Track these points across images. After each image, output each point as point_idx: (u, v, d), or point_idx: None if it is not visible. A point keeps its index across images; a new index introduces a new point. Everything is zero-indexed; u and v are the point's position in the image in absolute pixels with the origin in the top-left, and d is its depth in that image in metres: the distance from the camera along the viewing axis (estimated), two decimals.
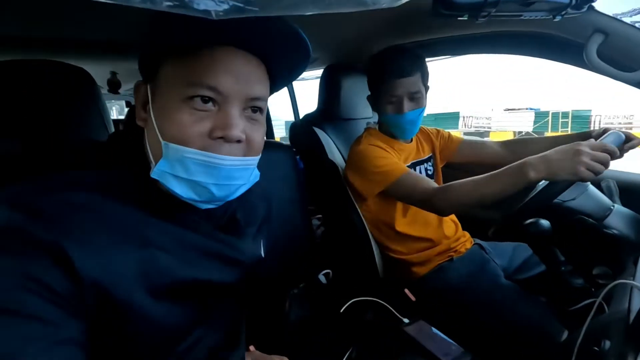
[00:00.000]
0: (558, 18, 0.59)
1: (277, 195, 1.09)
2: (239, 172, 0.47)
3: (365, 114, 1.43)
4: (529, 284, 1.05)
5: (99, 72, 1.69)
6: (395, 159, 1.04)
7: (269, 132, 2.73)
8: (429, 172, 1.20)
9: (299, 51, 0.48)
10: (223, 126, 0.44)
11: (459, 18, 0.48)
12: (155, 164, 0.45)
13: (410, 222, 1.11)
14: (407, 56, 1.02)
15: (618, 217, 0.80)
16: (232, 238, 0.55)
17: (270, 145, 1.21)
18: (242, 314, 0.70)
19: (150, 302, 0.44)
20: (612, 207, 0.80)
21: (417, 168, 1.17)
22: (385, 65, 1.04)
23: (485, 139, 1.31)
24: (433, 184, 0.96)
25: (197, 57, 0.43)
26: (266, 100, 0.50)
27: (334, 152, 1.27)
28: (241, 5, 0.27)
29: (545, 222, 0.70)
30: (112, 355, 0.43)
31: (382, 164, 1.01)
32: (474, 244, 1.16)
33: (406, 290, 1.02)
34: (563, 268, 0.74)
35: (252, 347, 0.75)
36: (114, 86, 1.93)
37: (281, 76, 0.53)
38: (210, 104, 0.44)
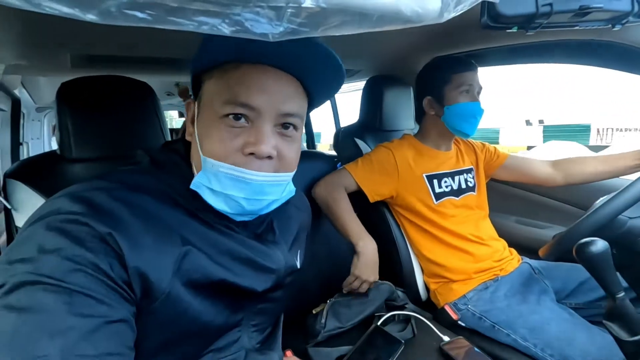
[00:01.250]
0: (618, 27, 0.56)
1: (318, 208, 1.11)
2: (270, 188, 0.49)
3: (406, 125, 1.42)
4: (585, 310, 0.97)
5: (156, 85, 1.86)
6: (377, 175, 1.08)
7: (311, 142, 2.78)
8: (470, 184, 1.16)
9: (332, 70, 0.50)
10: (254, 142, 0.46)
11: (508, 31, 0.48)
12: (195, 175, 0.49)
13: (442, 234, 1.08)
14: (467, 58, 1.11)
15: None
16: (266, 247, 0.58)
17: (312, 155, 1.24)
18: (279, 319, 0.72)
19: (188, 295, 0.48)
20: None
21: (456, 178, 1.13)
22: (453, 60, 1.10)
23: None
24: (340, 184, 1.07)
25: (233, 75, 0.46)
26: (301, 117, 0.51)
27: None
28: (295, 27, 0.29)
29: (602, 243, 0.65)
30: (152, 342, 0.47)
31: (369, 162, 1.09)
32: (522, 263, 1.09)
33: (447, 307, 0.99)
34: (624, 294, 0.68)
35: (289, 352, 0.77)
36: (182, 93, 2.21)
37: (318, 93, 0.54)
38: (243, 120, 0.46)
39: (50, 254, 0.37)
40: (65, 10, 0.20)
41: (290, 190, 0.53)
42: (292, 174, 0.52)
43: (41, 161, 0.83)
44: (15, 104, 1.96)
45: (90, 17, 0.21)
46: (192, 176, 0.51)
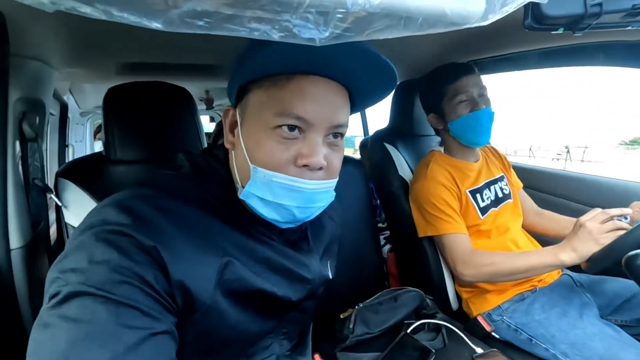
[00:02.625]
0: None
1: (347, 212, 1.11)
2: (320, 195, 0.49)
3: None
4: (632, 328, 0.91)
5: (192, 91, 1.94)
6: (456, 215, 1.02)
7: None
8: (505, 192, 1.12)
9: (382, 75, 0.49)
10: (307, 154, 0.46)
11: (553, 32, 0.46)
12: (242, 184, 0.49)
13: (486, 245, 1.04)
14: (463, 62, 1.05)
15: None
16: (301, 256, 0.58)
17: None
18: (308, 326, 0.73)
19: (227, 304, 0.48)
20: None
21: (492, 188, 1.11)
22: (447, 68, 1.05)
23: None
24: (470, 247, 0.98)
25: (285, 86, 0.46)
26: (347, 126, 0.52)
27: (405, 168, 1.26)
28: (340, 32, 0.30)
29: None
30: (191, 350, 0.48)
31: (442, 212, 1.01)
32: (562, 274, 1.04)
33: (480, 317, 0.96)
34: None
35: (317, 356, 0.77)
36: (209, 102, 2.24)
37: (363, 99, 0.55)
38: (296, 132, 0.46)
39: (100, 265, 0.38)
40: (133, 19, 0.21)
41: (332, 195, 0.53)
42: (336, 180, 0.53)
43: (88, 162, 0.89)
44: (63, 108, 2.10)
45: (156, 25, 0.22)
46: (232, 183, 0.52)
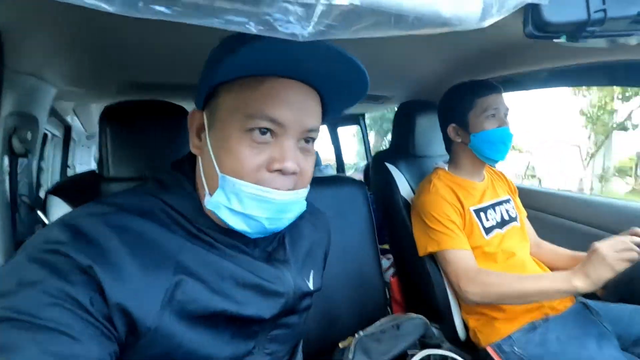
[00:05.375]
0: None
1: (350, 235, 1.07)
2: (291, 206, 0.47)
3: (439, 151, 1.36)
4: None
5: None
6: (458, 230, 0.98)
7: (341, 167, 2.77)
8: (511, 215, 1.08)
9: (358, 83, 0.47)
10: (280, 159, 0.44)
11: (554, 40, 0.44)
12: (210, 193, 0.46)
13: (492, 269, 0.98)
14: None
15: None
16: (274, 268, 0.54)
17: (342, 180, 1.21)
18: (297, 345, 0.67)
19: (183, 327, 0.44)
20: None
21: (497, 209, 1.07)
22: (479, 83, 1.05)
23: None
24: (475, 265, 0.94)
25: (257, 88, 0.44)
26: (318, 131, 0.50)
27: (407, 188, 1.23)
28: (323, 28, 0.28)
29: None
30: None
31: (443, 226, 0.98)
32: (576, 302, 0.98)
33: (489, 348, 0.89)
34: None
35: None
36: None
37: (334, 108, 0.53)
38: (268, 135, 0.45)
39: (29, 287, 0.36)
40: (88, 0, 0.20)
41: (303, 205, 0.51)
42: (307, 189, 0.51)
43: (80, 179, 0.87)
44: (67, 130, 2.13)
45: (113, 8, 0.20)
46: (196, 194, 0.49)
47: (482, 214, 1.03)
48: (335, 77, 0.46)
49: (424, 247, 1.03)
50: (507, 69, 1.14)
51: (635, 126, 9.24)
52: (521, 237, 1.08)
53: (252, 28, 0.26)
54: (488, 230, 1.01)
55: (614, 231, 1.06)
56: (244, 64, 0.42)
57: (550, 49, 0.94)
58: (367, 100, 1.67)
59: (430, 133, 1.31)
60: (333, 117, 0.58)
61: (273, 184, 0.45)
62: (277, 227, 0.48)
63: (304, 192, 0.50)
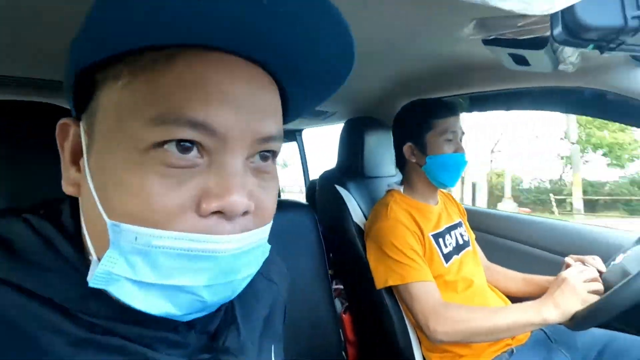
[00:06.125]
0: None
1: (298, 269, 0.91)
2: (246, 258, 0.30)
3: (389, 171, 1.30)
4: None
5: None
6: (422, 260, 0.89)
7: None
8: (465, 239, 1.04)
9: (339, 54, 0.29)
10: (219, 192, 0.27)
11: (582, 49, 0.36)
12: (98, 258, 0.27)
13: (454, 301, 0.92)
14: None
15: None
16: (223, 355, 0.34)
17: (288, 205, 1.05)
18: None
19: None
20: None
21: (452, 234, 1.02)
22: (440, 103, 0.99)
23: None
24: (441, 299, 0.85)
25: (166, 71, 0.26)
26: (282, 139, 0.32)
27: (358, 213, 1.12)
28: None
29: None
30: None
31: (406, 257, 0.88)
32: (534, 330, 0.95)
33: None
34: None
35: None
36: None
37: (299, 102, 0.36)
38: (194, 153, 0.27)
39: None
40: None
41: (265, 250, 0.34)
42: (269, 227, 0.33)
43: None
44: None
45: None
46: (82, 262, 0.28)
47: (440, 240, 0.97)
48: (302, 47, 0.28)
49: (384, 279, 0.92)
50: (459, 90, 1.13)
51: None
52: (475, 262, 1.04)
53: None
54: (447, 257, 0.95)
55: (559, 252, 1.10)
56: (140, 21, 0.23)
57: (501, 72, 0.93)
58: (307, 115, 1.56)
59: (380, 152, 1.24)
60: (296, 117, 0.40)
61: (213, 232, 0.27)
62: (225, 297, 0.30)
63: (264, 232, 0.32)
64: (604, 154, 12.38)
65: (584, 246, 0.95)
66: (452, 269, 0.95)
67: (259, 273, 0.36)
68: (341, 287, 1.29)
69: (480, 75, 1.02)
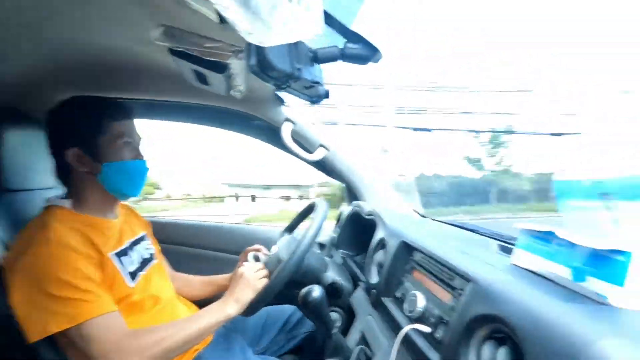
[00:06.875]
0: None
1: None
2: None
3: (45, 182, 0.99)
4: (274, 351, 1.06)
5: None
6: (100, 290, 0.74)
7: None
8: (151, 252, 0.98)
9: None
10: None
11: (267, 83, 0.43)
12: None
13: (141, 322, 0.83)
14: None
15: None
16: None
17: None
18: None
19: None
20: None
21: (135, 248, 0.93)
22: (113, 104, 0.86)
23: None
24: (126, 329, 0.75)
25: None
26: None
27: None
28: None
29: (319, 288, 0.76)
30: None
31: (79, 290, 0.70)
32: None
33: None
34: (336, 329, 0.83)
35: None
36: None
37: None
38: None
39: None
40: None
41: None
42: None
43: None
44: None
45: None
46: None
47: (124, 258, 0.84)
48: None
49: (41, 327, 0.67)
50: (129, 93, 1.05)
51: None
52: (162, 275, 0.99)
53: None
54: (133, 275, 0.84)
55: (234, 252, 1.27)
56: None
57: (180, 84, 0.96)
58: None
59: (29, 156, 0.91)
60: None
61: None
62: None
63: None
64: None
65: (249, 243, 1.16)
66: (138, 287, 0.85)
67: None
68: None
69: (158, 83, 1.01)
